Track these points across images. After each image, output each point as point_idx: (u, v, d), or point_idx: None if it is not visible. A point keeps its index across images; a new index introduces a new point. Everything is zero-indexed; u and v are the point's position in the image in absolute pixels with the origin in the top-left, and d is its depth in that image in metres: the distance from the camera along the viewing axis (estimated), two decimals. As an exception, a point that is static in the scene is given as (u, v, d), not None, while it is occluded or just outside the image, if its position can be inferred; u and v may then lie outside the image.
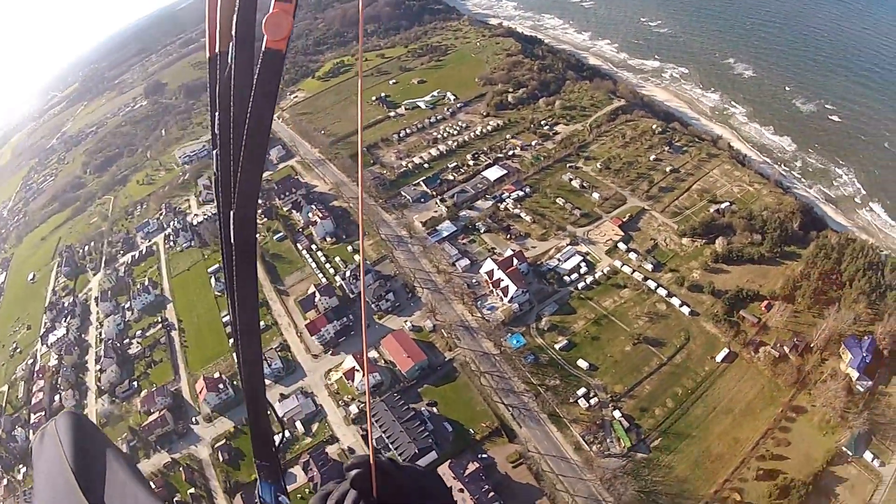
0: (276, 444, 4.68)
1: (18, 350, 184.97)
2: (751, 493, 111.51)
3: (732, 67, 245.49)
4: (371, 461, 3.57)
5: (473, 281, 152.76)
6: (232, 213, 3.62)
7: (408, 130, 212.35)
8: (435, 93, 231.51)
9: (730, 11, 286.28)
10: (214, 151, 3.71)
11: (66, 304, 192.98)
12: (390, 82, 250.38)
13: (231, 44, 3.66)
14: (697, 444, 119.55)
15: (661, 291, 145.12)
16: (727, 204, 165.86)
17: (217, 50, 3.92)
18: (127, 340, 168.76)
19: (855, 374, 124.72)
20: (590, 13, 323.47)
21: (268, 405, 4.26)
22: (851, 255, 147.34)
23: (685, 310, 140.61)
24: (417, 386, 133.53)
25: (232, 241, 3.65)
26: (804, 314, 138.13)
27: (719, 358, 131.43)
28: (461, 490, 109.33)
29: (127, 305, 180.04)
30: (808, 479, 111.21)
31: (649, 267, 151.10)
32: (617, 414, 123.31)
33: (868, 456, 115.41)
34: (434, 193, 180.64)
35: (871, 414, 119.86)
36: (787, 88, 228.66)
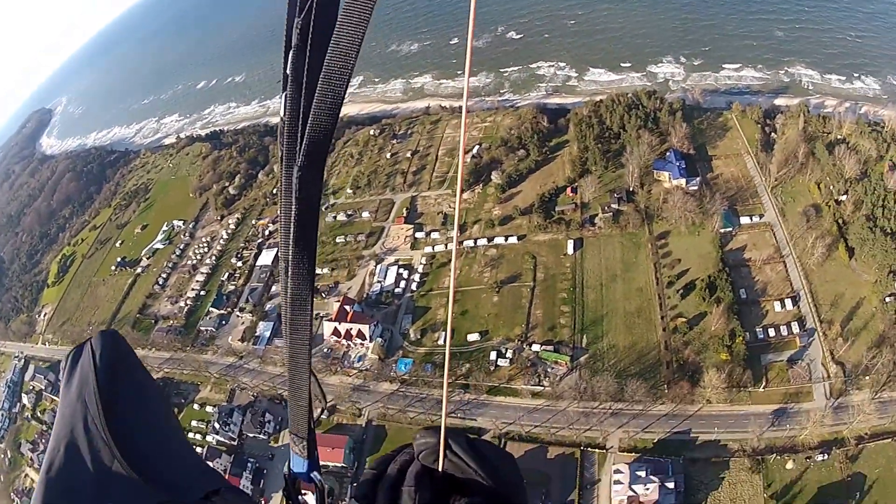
0: (315, 418, 4.33)
1: None
2: (689, 309, 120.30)
3: (398, 50, 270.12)
4: (442, 434, 3.59)
5: (325, 350, 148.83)
6: (296, 166, 3.30)
7: (163, 275, 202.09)
8: (164, 228, 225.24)
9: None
10: (284, 94, 3.38)
11: None
12: (117, 245, 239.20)
13: None
14: (615, 316, 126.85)
15: (482, 242, 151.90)
16: (478, 146, 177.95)
17: None
18: None
19: (682, 181, 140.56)
20: (242, 85, 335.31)
21: (310, 377, 4.02)
22: (608, 109, 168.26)
23: (514, 240, 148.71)
24: (360, 468, 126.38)
25: (294, 197, 3.37)
26: (607, 175, 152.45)
27: (570, 250, 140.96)
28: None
29: None
30: (719, 266, 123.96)
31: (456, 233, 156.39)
32: (536, 347, 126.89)
33: (744, 220, 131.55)
34: (229, 309, 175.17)
35: (721, 194, 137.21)
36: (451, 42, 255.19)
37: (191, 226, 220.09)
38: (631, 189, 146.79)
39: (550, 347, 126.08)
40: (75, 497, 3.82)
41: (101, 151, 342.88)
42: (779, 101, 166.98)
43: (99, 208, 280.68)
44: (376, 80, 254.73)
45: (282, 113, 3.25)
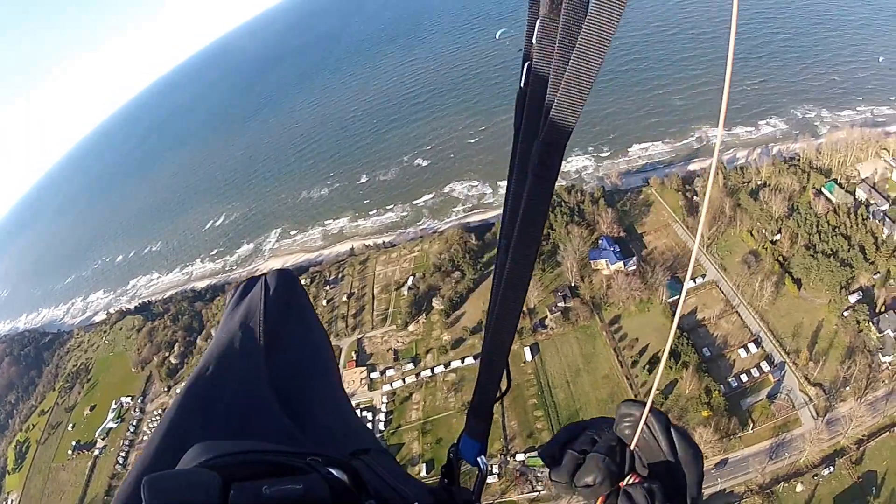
0: (495, 402, 4.15)
1: None
2: (659, 380, 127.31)
3: (310, 197, 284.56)
4: (647, 409, 3.26)
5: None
6: (539, 140, 2.92)
7: (122, 454, 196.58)
8: (113, 406, 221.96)
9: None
10: (527, 63, 3.26)
11: None
12: (69, 428, 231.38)
13: None
14: (589, 407, 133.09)
15: (439, 369, 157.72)
16: (411, 278, 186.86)
17: None
18: None
19: (620, 264, 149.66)
20: (160, 255, 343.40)
21: (506, 363, 3.94)
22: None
23: (470, 361, 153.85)
24: None
25: (531, 171, 3.03)
26: (546, 277, 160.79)
27: (528, 357, 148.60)
28: None
29: None
30: (678, 335, 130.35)
31: (410, 366, 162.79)
32: (520, 456, 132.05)
33: (690, 283, 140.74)
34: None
35: (660, 266, 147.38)
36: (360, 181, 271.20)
37: (139, 401, 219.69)
38: (573, 284, 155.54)
39: (534, 453, 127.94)
40: (215, 416, 4.26)
41: (35, 334, 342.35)
42: (693, 166, 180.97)
43: (44, 392, 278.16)
44: (293, 231, 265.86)
45: (522, 83, 3.29)
